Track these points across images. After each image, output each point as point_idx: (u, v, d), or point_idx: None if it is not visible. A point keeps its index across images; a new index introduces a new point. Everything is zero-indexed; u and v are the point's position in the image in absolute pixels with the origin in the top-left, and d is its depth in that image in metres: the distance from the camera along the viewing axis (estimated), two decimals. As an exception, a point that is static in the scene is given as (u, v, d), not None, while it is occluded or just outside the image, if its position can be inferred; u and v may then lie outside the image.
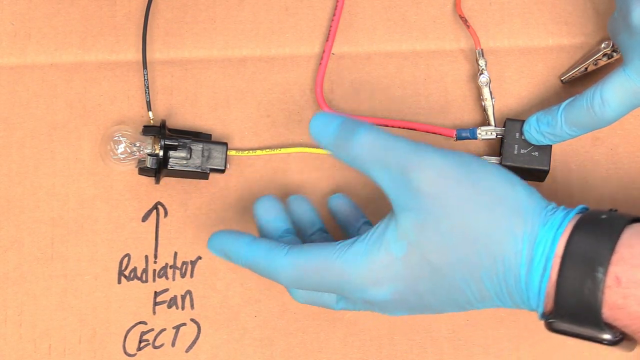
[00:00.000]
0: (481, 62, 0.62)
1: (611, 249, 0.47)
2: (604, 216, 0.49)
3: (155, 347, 0.62)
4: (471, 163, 0.50)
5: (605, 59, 0.61)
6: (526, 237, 0.48)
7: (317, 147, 0.63)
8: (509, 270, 0.49)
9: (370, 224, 0.60)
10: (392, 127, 0.62)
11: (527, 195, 0.50)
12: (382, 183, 0.51)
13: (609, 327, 0.48)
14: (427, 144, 0.50)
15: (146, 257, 0.62)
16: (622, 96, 0.55)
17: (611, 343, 0.48)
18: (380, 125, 0.62)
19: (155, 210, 0.63)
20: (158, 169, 0.60)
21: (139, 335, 0.62)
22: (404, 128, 0.62)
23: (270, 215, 0.58)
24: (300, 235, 0.60)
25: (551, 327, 0.50)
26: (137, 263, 0.62)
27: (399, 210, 0.50)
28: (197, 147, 0.61)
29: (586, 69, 0.62)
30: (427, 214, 0.49)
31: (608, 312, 0.48)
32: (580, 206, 0.50)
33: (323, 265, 0.52)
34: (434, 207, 0.49)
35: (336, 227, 0.61)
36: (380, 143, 0.50)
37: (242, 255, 0.54)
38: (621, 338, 0.49)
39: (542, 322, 0.50)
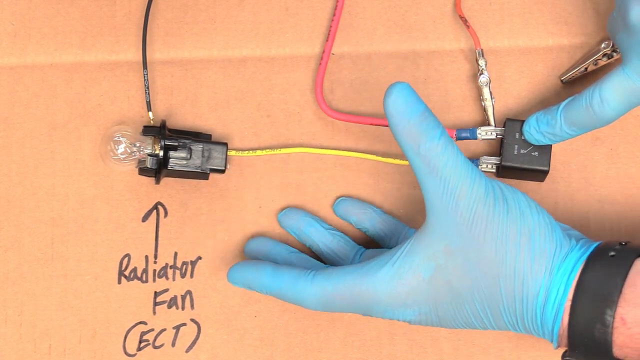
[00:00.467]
0: (481, 62, 0.62)
1: (618, 291, 0.49)
2: (612, 253, 0.51)
3: (155, 347, 0.62)
4: (509, 197, 0.52)
5: (605, 59, 0.61)
6: (544, 281, 0.51)
7: (317, 147, 0.63)
8: (526, 310, 0.51)
9: (383, 212, 0.62)
10: (392, 127, 0.62)
11: (550, 233, 0.52)
12: (430, 194, 0.52)
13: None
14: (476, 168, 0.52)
15: (146, 257, 0.62)
16: (621, 95, 0.55)
17: None
18: (380, 125, 0.62)
19: (155, 210, 0.63)
20: (158, 169, 0.60)
21: (139, 335, 0.62)
22: (404, 128, 0.62)
23: (264, 249, 0.61)
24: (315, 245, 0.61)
25: None
26: (137, 263, 0.62)
27: (433, 232, 0.52)
28: (197, 148, 0.61)
29: (586, 69, 0.62)
30: (460, 241, 0.51)
31: (618, 350, 0.50)
32: (595, 245, 0.52)
33: (351, 290, 0.54)
34: (468, 236, 0.51)
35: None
36: (456, 153, 0.51)
37: (266, 285, 0.56)
38: None
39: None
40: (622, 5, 0.54)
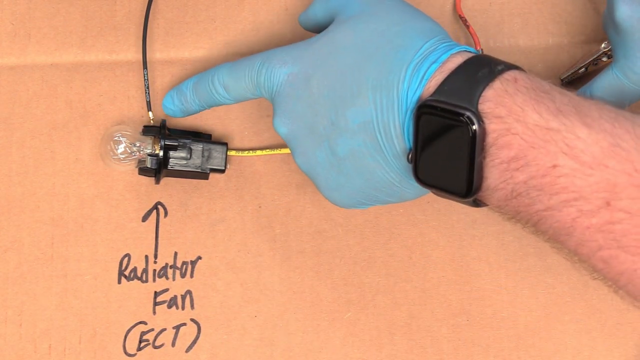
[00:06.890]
0: (481, 62, 0.62)
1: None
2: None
3: (155, 347, 0.62)
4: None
5: (605, 59, 0.61)
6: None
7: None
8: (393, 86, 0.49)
9: None
10: (392, 127, 0.62)
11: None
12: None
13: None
14: None
15: (146, 257, 0.62)
16: (610, 94, 0.55)
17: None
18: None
19: (155, 210, 0.63)
20: (158, 169, 0.60)
21: (139, 335, 0.62)
22: (404, 128, 0.62)
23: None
24: None
25: (424, 105, 0.47)
26: (137, 263, 0.62)
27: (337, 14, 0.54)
28: (197, 147, 0.61)
29: (586, 69, 0.62)
30: (352, 14, 0.52)
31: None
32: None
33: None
34: (360, 9, 0.52)
35: None
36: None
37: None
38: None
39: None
40: (610, 4, 0.54)
